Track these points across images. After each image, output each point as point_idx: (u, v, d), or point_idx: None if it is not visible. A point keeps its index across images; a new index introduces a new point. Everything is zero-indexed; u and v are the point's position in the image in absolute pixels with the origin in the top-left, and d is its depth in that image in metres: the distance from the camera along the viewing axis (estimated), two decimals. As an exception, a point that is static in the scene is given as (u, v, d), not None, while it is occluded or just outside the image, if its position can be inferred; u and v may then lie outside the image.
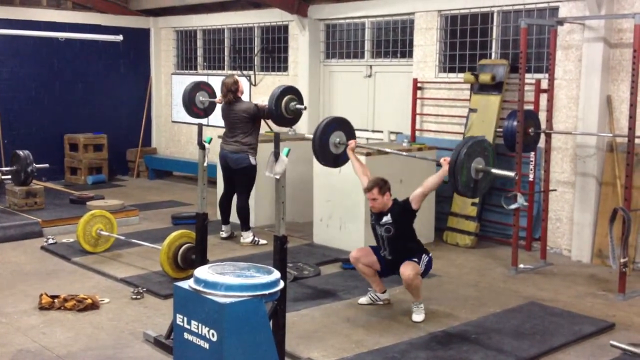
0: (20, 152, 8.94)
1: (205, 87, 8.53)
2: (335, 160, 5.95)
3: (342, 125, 5.91)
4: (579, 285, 6.57)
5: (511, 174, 4.97)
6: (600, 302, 6.05)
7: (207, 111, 8.53)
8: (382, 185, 5.52)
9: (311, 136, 5.85)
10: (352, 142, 5.85)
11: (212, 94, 8.52)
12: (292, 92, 7.27)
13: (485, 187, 5.02)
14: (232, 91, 7.70)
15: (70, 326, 5.30)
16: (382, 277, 5.83)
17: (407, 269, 5.39)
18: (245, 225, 7.86)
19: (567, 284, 6.60)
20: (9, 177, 9.22)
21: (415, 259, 5.49)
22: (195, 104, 8.39)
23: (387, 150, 6.71)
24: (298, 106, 7.19)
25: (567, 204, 7.60)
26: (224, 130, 7.96)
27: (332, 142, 5.83)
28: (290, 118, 7.32)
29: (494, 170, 4.89)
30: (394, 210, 5.54)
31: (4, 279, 6.51)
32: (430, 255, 5.66)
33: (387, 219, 5.54)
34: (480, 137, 5.09)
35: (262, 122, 8.15)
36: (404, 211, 5.52)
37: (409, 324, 5.44)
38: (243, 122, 7.70)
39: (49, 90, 11.95)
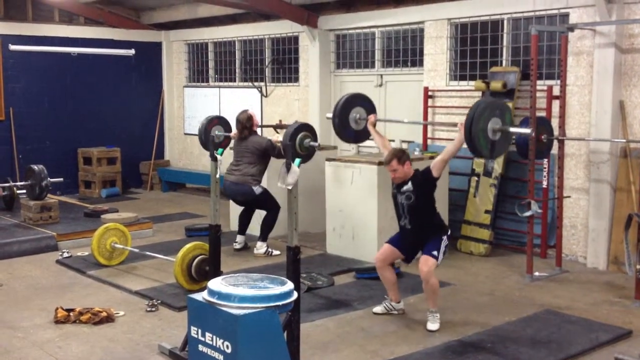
0: (35, 167, 9.00)
1: (218, 122, 8.10)
2: (356, 136, 6.03)
3: (361, 100, 5.99)
4: (595, 292, 6.52)
5: (528, 130, 4.94)
6: (617, 310, 6.00)
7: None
8: (400, 155, 5.57)
9: (331, 115, 5.92)
10: (372, 117, 5.97)
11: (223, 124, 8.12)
12: (307, 129, 7.32)
13: (504, 148, 4.95)
14: (247, 127, 7.78)
15: (85, 339, 5.32)
16: (408, 262, 5.88)
17: (426, 265, 5.42)
18: (263, 235, 7.91)
19: (583, 291, 6.55)
20: (24, 191, 9.31)
21: (435, 250, 5.47)
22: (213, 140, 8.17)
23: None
24: (312, 143, 7.26)
25: (582, 210, 7.55)
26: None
27: (352, 118, 5.92)
28: (304, 155, 7.38)
29: (512, 129, 4.87)
30: (415, 179, 5.58)
31: (20, 293, 6.55)
32: (449, 233, 5.67)
33: (408, 187, 5.57)
34: (492, 98, 5.06)
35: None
36: (424, 180, 5.56)
37: (424, 333, 5.42)
38: (252, 154, 7.74)
39: (63, 104, 12.04)
